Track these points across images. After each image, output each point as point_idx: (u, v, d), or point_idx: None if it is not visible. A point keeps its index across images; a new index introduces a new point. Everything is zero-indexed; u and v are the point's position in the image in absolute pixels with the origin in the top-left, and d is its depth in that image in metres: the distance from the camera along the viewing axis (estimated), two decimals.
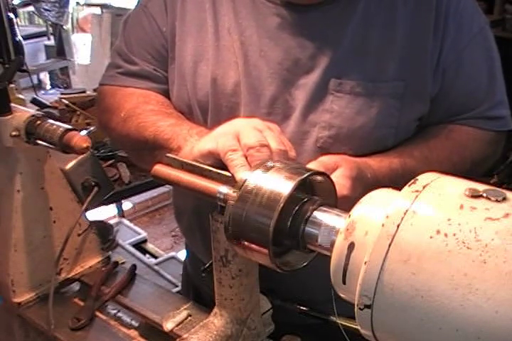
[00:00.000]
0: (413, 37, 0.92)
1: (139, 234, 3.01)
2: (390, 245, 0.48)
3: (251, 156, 0.69)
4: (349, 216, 0.55)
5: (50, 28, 5.15)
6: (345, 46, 0.91)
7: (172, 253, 2.88)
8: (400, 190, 0.53)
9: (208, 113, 0.97)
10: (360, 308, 0.50)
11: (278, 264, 0.64)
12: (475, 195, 0.48)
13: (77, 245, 1.07)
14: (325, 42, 0.92)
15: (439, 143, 0.97)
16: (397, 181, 0.55)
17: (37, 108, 2.25)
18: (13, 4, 4.37)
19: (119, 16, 4.44)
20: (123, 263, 1.14)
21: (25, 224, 0.99)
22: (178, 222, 1.17)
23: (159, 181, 0.76)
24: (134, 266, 1.10)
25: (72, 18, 5.20)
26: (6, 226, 0.99)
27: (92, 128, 2.06)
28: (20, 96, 2.17)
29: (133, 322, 1.00)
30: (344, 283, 0.53)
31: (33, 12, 5.14)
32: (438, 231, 0.47)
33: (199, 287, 1.21)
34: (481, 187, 0.50)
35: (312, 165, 0.78)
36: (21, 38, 3.86)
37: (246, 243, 0.63)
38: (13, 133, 0.91)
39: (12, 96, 1.20)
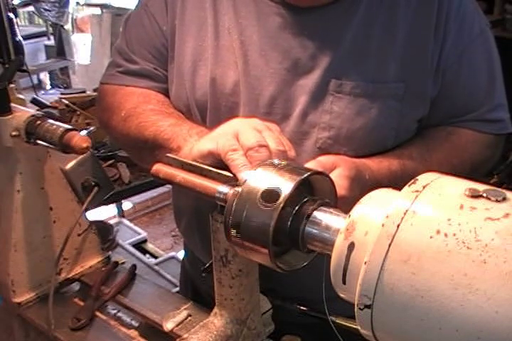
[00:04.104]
0: (414, 38, 0.92)
1: (139, 234, 3.01)
2: (390, 245, 0.48)
3: (250, 157, 0.69)
4: (349, 216, 0.55)
5: (50, 28, 5.16)
6: (346, 47, 0.91)
7: (172, 253, 2.88)
8: (399, 190, 0.53)
9: (207, 113, 0.97)
10: (360, 308, 0.50)
11: (278, 264, 0.64)
12: (475, 195, 0.48)
13: (77, 245, 1.07)
14: (326, 42, 0.92)
15: (439, 145, 0.97)
16: (396, 182, 0.55)
17: (37, 108, 2.25)
18: (13, 4, 4.38)
19: (119, 16, 4.44)
20: (123, 263, 1.14)
21: (25, 224, 0.99)
22: (177, 222, 1.17)
23: (159, 181, 0.77)
24: (134, 266, 1.10)
25: (72, 18, 5.20)
26: (6, 226, 0.99)
27: (92, 128, 2.06)
28: (20, 96, 2.16)
29: (133, 322, 1.00)
30: (344, 283, 0.53)
31: (33, 12, 5.14)
32: (438, 231, 0.47)
33: (198, 286, 1.21)
34: (481, 187, 0.50)
35: (310, 165, 0.78)
36: (21, 38, 3.87)
37: (246, 243, 0.63)
38: (13, 133, 0.92)
39: (12, 96, 1.20)
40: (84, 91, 2.38)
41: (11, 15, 3.55)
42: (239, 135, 0.72)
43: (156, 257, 2.87)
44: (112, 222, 2.90)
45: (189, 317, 0.89)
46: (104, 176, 1.15)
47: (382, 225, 0.49)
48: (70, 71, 5.22)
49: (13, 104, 0.95)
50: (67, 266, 1.07)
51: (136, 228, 3.11)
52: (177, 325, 0.87)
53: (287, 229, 0.62)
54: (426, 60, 0.93)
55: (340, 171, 0.80)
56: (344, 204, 0.64)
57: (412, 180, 0.52)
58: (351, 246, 0.53)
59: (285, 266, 0.65)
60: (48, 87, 5.65)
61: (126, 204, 3.59)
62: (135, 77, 1.03)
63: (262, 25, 0.94)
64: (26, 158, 0.96)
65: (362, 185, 0.80)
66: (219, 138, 0.73)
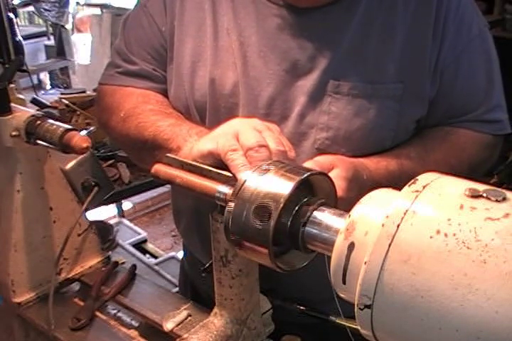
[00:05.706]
0: (412, 39, 0.92)
1: (139, 234, 3.01)
2: (390, 245, 0.48)
3: (250, 157, 0.69)
4: (349, 216, 0.55)
5: (50, 28, 5.16)
6: (345, 48, 0.91)
7: (172, 253, 2.89)
8: (399, 190, 0.53)
9: (206, 113, 0.97)
10: (360, 308, 0.50)
11: (278, 264, 0.64)
12: (475, 195, 0.48)
13: (77, 245, 1.07)
14: (324, 43, 0.92)
15: (437, 145, 0.97)
16: (394, 182, 0.55)
17: (37, 108, 2.25)
18: (13, 4, 4.38)
19: (119, 16, 4.44)
20: (123, 263, 1.14)
21: (25, 224, 0.99)
22: (177, 222, 1.17)
23: (159, 180, 0.77)
24: (134, 266, 1.10)
25: (72, 18, 5.21)
26: (6, 226, 0.99)
27: (92, 128, 2.06)
28: (20, 96, 2.16)
29: (133, 322, 1.00)
30: (344, 283, 0.53)
31: (33, 12, 5.15)
32: (438, 231, 0.47)
33: (197, 286, 1.21)
34: (481, 187, 0.50)
35: (308, 165, 0.78)
36: (21, 38, 3.87)
37: (246, 243, 0.63)
38: (13, 133, 0.92)
39: (12, 96, 1.20)
40: (84, 91, 2.38)
41: (11, 15, 3.55)
42: (239, 135, 0.72)
43: (156, 257, 2.87)
44: (111, 222, 2.90)
45: (189, 317, 0.89)
46: (104, 176, 1.15)
47: (382, 225, 0.49)
48: (70, 71, 5.22)
49: (13, 104, 0.95)
50: (67, 266, 1.07)
51: (136, 228, 3.11)
52: (177, 325, 0.87)
53: (287, 229, 0.62)
54: (424, 60, 0.92)
55: (337, 172, 0.80)
56: (342, 205, 0.64)
57: (412, 180, 0.52)
58: (351, 246, 0.53)
59: (285, 266, 0.65)
60: (48, 87, 5.66)
61: (126, 204, 3.60)
62: (134, 78, 1.03)
63: (260, 26, 0.94)
64: (26, 158, 0.96)
65: (360, 186, 0.80)
66: (219, 138, 0.73)
